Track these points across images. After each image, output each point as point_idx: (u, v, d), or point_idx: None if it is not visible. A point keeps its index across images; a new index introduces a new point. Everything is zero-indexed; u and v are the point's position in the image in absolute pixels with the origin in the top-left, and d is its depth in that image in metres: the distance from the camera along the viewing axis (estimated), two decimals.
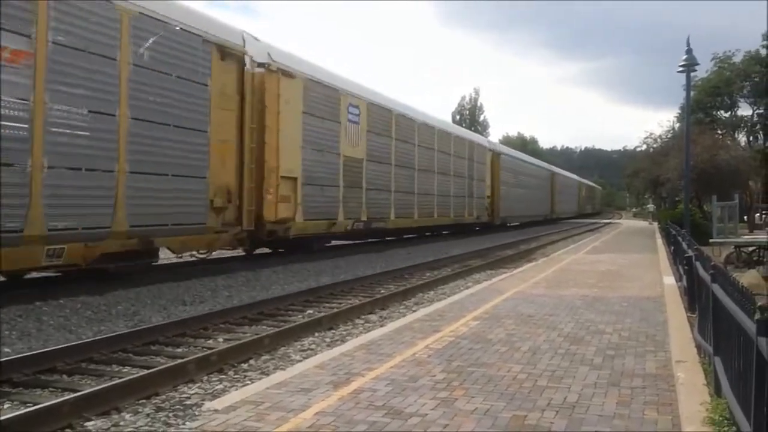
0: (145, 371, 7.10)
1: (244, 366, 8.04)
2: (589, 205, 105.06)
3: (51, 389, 6.84)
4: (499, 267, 20.37)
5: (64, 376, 7.40)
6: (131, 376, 6.88)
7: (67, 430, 5.65)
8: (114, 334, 8.95)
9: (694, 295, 9.67)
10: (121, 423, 5.83)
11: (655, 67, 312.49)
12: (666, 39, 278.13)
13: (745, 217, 30.65)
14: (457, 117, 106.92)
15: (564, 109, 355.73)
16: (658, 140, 51.40)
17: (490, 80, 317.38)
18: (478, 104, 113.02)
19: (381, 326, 9.93)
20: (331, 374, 6.45)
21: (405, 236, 30.25)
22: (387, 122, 26.05)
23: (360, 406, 5.43)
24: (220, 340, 9.33)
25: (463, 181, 36.42)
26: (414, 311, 11.47)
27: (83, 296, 11.57)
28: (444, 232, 35.51)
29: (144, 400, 6.47)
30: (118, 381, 6.66)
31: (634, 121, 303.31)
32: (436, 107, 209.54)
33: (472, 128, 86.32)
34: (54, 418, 5.64)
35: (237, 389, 6.63)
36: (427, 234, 33.49)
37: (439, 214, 32.56)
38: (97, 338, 8.64)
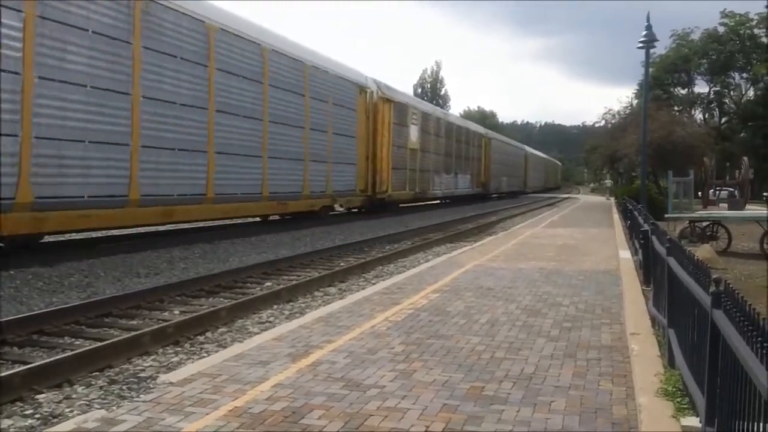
0: (99, 343, 6.96)
1: (201, 338, 7.96)
2: (552, 179, 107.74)
3: (1, 361, 6.67)
4: (459, 240, 20.48)
5: (15, 348, 7.24)
6: (84, 348, 6.75)
7: (17, 402, 5.53)
8: (66, 305, 8.76)
9: (649, 268, 9.81)
10: (74, 395, 5.72)
11: (615, 44, 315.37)
12: (625, 15, 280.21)
13: (700, 193, 31.18)
14: (419, 90, 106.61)
15: (524, 84, 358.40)
16: (617, 116, 51.91)
17: (451, 53, 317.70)
18: (440, 77, 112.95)
19: (340, 299, 9.91)
20: (290, 346, 6.40)
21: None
22: (432, 122, 37.21)
23: (318, 378, 5.40)
24: (176, 312, 9.20)
25: (471, 162, 46.79)
26: (373, 284, 11.48)
27: (35, 267, 11.32)
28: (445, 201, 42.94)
29: (97, 373, 6.37)
30: (70, 353, 6.53)
31: (594, 97, 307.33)
32: (397, 79, 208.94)
33: (434, 102, 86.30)
34: (5, 390, 5.53)
35: (193, 362, 6.56)
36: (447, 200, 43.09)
37: (455, 187, 43.00)
38: (48, 310, 8.46)
